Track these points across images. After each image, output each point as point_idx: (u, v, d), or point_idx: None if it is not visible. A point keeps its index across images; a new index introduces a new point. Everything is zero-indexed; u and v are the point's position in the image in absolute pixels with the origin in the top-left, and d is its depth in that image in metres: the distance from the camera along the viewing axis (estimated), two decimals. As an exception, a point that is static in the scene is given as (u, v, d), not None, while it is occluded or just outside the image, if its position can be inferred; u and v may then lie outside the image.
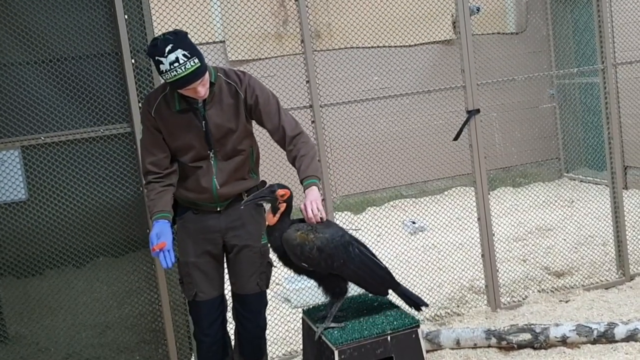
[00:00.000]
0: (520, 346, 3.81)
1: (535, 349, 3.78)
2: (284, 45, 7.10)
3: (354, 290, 3.33)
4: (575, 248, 5.33)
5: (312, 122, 4.07)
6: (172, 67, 2.85)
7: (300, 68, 4.10)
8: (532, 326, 3.84)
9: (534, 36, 7.81)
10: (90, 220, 3.64)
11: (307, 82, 4.04)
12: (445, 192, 7.58)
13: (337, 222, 3.79)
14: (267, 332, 3.52)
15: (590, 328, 3.77)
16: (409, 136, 7.01)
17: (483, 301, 4.55)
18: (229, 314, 3.35)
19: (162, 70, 2.88)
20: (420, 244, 6.05)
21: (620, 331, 3.72)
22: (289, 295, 4.92)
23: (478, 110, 4.39)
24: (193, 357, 3.80)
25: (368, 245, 3.27)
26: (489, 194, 4.53)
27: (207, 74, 2.98)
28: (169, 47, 2.84)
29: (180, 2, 4.18)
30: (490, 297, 4.47)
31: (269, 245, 3.16)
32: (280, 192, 3.02)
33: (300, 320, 3.46)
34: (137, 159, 3.63)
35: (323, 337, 3.08)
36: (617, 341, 3.72)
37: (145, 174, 3.12)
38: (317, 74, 4.06)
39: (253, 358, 3.33)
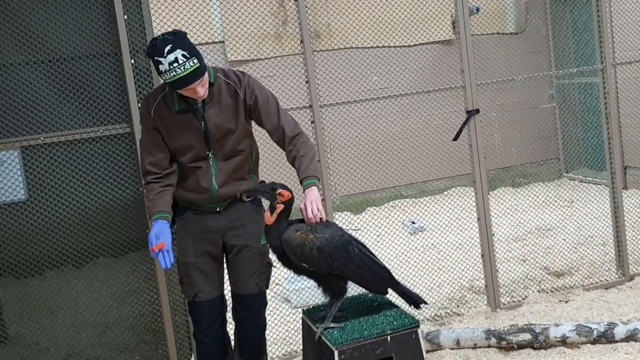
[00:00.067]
0: (520, 346, 3.81)
1: (535, 349, 3.78)
2: (284, 45, 7.10)
3: (353, 290, 3.33)
4: (575, 248, 5.33)
5: (312, 122, 4.07)
6: (171, 67, 2.85)
7: (300, 68, 4.10)
8: (532, 326, 3.84)
9: (534, 36, 7.81)
10: (89, 221, 3.64)
11: (307, 82, 4.04)
12: (445, 192, 7.58)
13: (337, 222, 3.79)
14: (267, 332, 3.52)
15: (590, 328, 3.77)
16: (408, 136, 7.01)
17: (483, 301, 4.55)
18: (229, 314, 3.35)
19: (161, 71, 2.88)
20: (420, 244, 6.05)
21: (620, 331, 3.73)
22: (289, 296, 4.92)
23: (478, 111, 4.39)
24: (193, 357, 3.80)
25: (368, 245, 3.27)
26: (489, 194, 4.53)
27: (206, 74, 2.98)
28: (168, 48, 2.84)
29: (179, 2, 4.18)
30: (490, 297, 4.47)
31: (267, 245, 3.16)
32: (280, 191, 3.02)
33: (300, 321, 3.46)
34: (136, 159, 3.63)
35: (323, 337, 3.08)
36: (617, 341, 3.72)
37: (145, 174, 3.12)
38: (317, 74, 4.06)
39: (253, 358, 3.33)
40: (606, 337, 3.73)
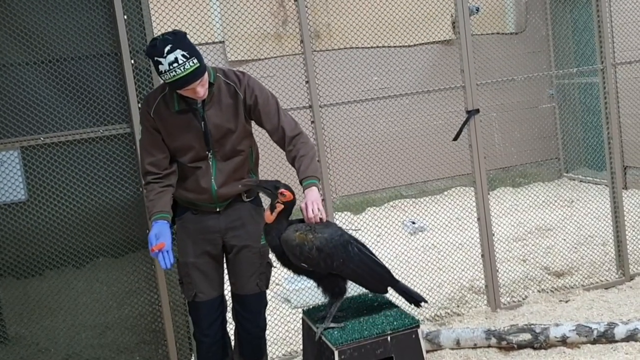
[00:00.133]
0: (520, 346, 3.81)
1: (535, 349, 3.78)
2: (284, 45, 7.10)
3: (353, 290, 3.33)
4: (575, 248, 5.33)
5: (312, 122, 4.07)
6: (171, 67, 2.85)
7: (300, 68, 4.10)
8: (532, 326, 3.84)
9: (534, 36, 7.81)
10: (90, 221, 3.64)
11: (307, 82, 4.04)
12: (445, 192, 7.58)
13: (337, 222, 3.79)
14: (267, 332, 3.52)
15: (590, 328, 3.77)
16: (408, 136, 7.01)
17: (483, 301, 4.55)
18: (229, 315, 3.35)
19: (161, 71, 2.88)
20: (420, 244, 6.05)
21: (620, 331, 3.72)
22: (289, 296, 4.92)
23: (477, 110, 4.39)
24: (193, 357, 3.80)
25: (368, 245, 3.27)
26: (489, 194, 4.53)
27: (206, 75, 2.98)
28: (168, 48, 2.84)
29: (179, 2, 4.18)
30: (490, 297, 4.47)
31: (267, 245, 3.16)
32: (282, 191, 3.02)
33: (300, 321, 3.46)
34: (136, 160, 3.63)
35: (323, 338, 3.08)
36: (617, 341, 3.72)
37: (145, 174, 3.12)
38: (317, 74, 4.06)
39: (253, 358, 3.33)
40: (606, 337, 3.73)
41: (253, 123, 3.22)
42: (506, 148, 7.66)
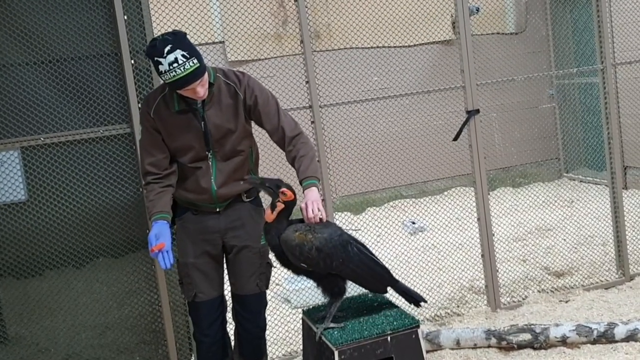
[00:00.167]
0: (520, 346, 3.81)
1: (535, 349, 3.78)
2: (284, 45, 7.10)
3: (353, 290, 3.33)
4: (575, 248, 5.33)
5: (312, 122, 4.07)
6: (171, 67, 2.85)
7: (300, 68, 4.10)
8: (532, 326, 3.84)
9: (534, 36, 7.81)
10: (90, 221, 3.64)
11: (307, 82, 4.04)
12: (445, 193, 7.58)
13: (337, 222, 3.79)
14: (267, 332, 3.52)
15: (590, 328, 3.77)
16: (408, 136, 7.01)
17: (483, 301, 4.55)
18: (229, 315, 3.35)
19: (161, 71, 2.88)
20: (420, 244, 6.05)
21: (620, 331, 3.72)
22: (289, 296, 4.92)
23: (478, 111, 4.39)
24: (193, 357, 3.80)
25: (367, 245, 3.27)
26: (489, 194, 4.53)
27: (206, 75, 2.98)
28: (167, 48, 2.84)
29: (179, 2, 4.18)
30: (490, 297, 4.47)
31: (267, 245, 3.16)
32: (283, 190, 3.02)
33: (300, 321, 3.46)
34: (136, 160, 3.63)
35: (323, 338, 3.08)
36: (617, 341, 3.72)
37: (145, 174, 3.12)
38: (317, 74, 4.06)
39: (253, 358, 3.33)
40: (606, 337, 3.73)
41: (253, 123, 3.22)
42: (506, 148, 7.66)
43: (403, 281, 3.34)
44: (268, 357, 3.56)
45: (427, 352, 3.69)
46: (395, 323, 3.08)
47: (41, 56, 3.52)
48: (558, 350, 3.74)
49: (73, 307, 3.67)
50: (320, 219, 3.03)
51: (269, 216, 3.05)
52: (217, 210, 3.18)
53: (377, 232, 6.28)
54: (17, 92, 3.50)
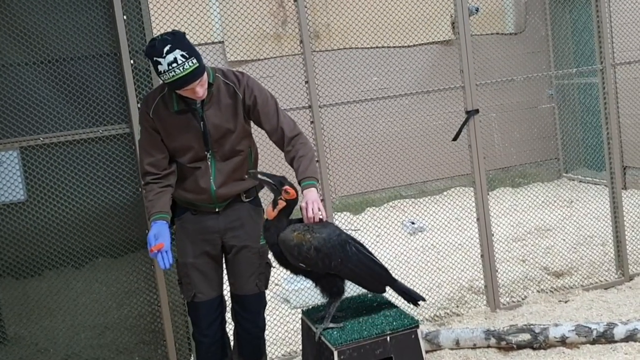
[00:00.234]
0: (520, 346, 3.81)
1: (534, 349, 3.78)
2: (283, 45, 7.10)
3: (353, 290, 3.33)
4: (575, 248, 5.33)
5: (311, 122, 4.07)
6: (170, 67, 2.85)
7: (299, 68, 4.10)
8: (532, 326, 3.84)
9: (533, 36, 7.81)
10: (89, 221, 3.64)
11: (306, 82, 4.04)
12: (445, 193, 7.58)
13: (337, 222, 3.79)
14: (267, 332, 3.52)
15: (590, 328, 3.77)
16: (408, 136, 7.01)
17: (482, 301, 4.55)
18: (228, 315, 3.35)
19: (161, 71, 2.88)
20: (419, 244, 6.05)
21: (619, 331, 3.73)
22: (288, 296, 4.92)
23: (477, 111, 4.39)
24: (192, 357, 3.80)
25: (367, 246, 3.26)
26: (488, 194, 4.53)
27: (205, 75, 2.98)
28: (167, 48, 2.84)
29: (179, 2, 4.18)
30: (489, 297, 4.47)
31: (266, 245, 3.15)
32: (286, 188, 3.02)
33: (300, 321, 3.46)
34: (136, 160, 3.63)
35: (322, 338, 3.08)
36: (616, 341, 3.72)
37: (144, 174, 3.12)
38: (316, 74, 4.06)
39: (252, 358, 3.33)
40: (606, 337, 3.74)
41: (252, 123, 3.22)
42: (506, 148, 7.67)
43: (403, 281, 3.34)
44: (267, 357, 3.56)
45: (427, 352, 3.69)
46: (394, 323, 3.08)
47: (40, 56, 3.52)
48: (557, 351, 3.74)
49: (72, 307, 3.67)
50: (320, 219, 3.03)
51: (270, 213, 3.05)
52: (217, 210, 3.17)
53: (377, 232, 6.28)
54: (17, 92, 3.50)
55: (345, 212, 7.17)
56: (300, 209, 3.07)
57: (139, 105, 3.55)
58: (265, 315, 3.36)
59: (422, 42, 7.17)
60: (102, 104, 3.62)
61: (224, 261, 3.29)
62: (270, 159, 3.92)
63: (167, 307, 3.75)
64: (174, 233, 3.22)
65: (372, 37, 7.11)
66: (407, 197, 7.58)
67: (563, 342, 3.77)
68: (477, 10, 6.43)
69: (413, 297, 3.24)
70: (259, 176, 3.08)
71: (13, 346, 3.61)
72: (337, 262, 3.03)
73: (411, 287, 3.34)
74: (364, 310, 3.28)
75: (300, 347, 3.56)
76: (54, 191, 3.59)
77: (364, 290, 3.36)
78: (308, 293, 4.66)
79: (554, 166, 8.08)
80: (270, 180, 3.04)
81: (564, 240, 5.58)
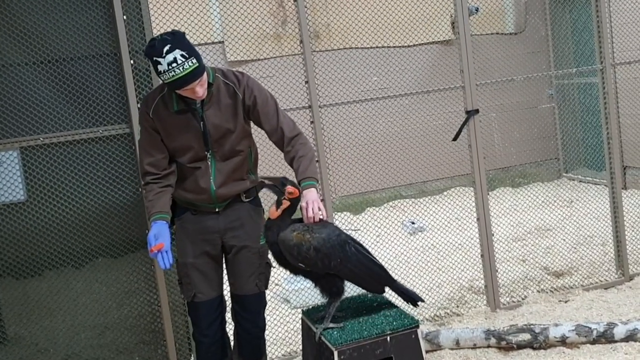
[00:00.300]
0: (520, 346, 3.81)
1: (534, 349, 3.78)
2: (283, 45, 7.10)
3: (353, 290, 3.33)
4: (575, 248, 5.33)
5: (311, 122, 4.07)
6: (170, 67, 2.85)
7: (299, 68, 4.10)
8: (532, 326, 3.84)
9: (533, 36, 7.81)
10: (89, 221, 3.64)
11: (306, 82, 4.04)
12: (445, 193, 7.58)
13: (337, 222, 3.79)
14: (267, 332, 3.52)
15: (590, 328, 3.77)
16: (408, 136, 7.01)
17: (482, 301, 4.55)
18: (228, 315, 3.35)
19: (160, 71, 2.87)
20: (419, 244, 6.05)
21: (619, 331, 3.73)
22: (288, 296, 4.92)
23: (477, 111, 4.39)
24: (192, 357, 3.80)
25: (367, 246, 3.27)
26: (488, 194, 4.53)
27: (205, 75, 2.98)
28: (166, 48, 2.84)
29: (179, 2, 4.18)
30: (489, 297, 4.47)
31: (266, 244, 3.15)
32: (289, 188, 3.03)
33: (300, 321, 3.46)
34: (136, 160, 3.63)
35: (323, 338, 3.08)
36: (616, 341, 3.72)
37: (144, 174, 3.12)
38: (316, 74, 4.06)
39: (252, 358, 3.33)
40: (606, 337, 3.73)
41: (252, 123, 3.22)
42: (506, 148, 7.67)
43: (402, 281, 3.34)
44: (267, 357, 3.56)
45: (427, 352, 3.69)
46: (394, 323, 3.08)
47: (40, 56, 3.52)
48: (557, 350, 3.74)
49: (72, 307, 3.67)
50: (320, 219, 3.03)
51: (273, 213, 3.05)
52: (216, 210, 3.17)
53: (377, 232, 6.28)
54: (17, 92, 3.50)
55: (345, 212, 7.17)
56: (301, 208, 3.07)
57: (139, 105, 3.55)
58: (265, 315, 3.36)
59: (422, 42, 7.17)
60: (102, 104, 3.62)
61: (224, 261, 3.29)
62: (270, 159, 3.92)
63: (167, 307, 3.75)
64: (174, 233, 3.22)
65: (372, 37, 7.11)
66: (407, 197, 7.58)
67: (563, 342, 3.77)
68: (477, 10, 6.44)
69: (412, 298, 3.24)
70: (266, 182, 3.09)
71: (13, 346, 3.61)
72: (337, 262, 3.03)
73: (411, 287, 3.34)
74: (364, 310, 3.28)
75: (300, 347, 3.56)
76: (54, 191, 3.59)
77: (364, 290, 3.36)
78: (308, 293, 4.66)
79: (554, 166, 8.08)
80: (273, 184, 3.05)
81: (564, 240, 5.58)
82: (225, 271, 3.30)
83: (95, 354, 3.70)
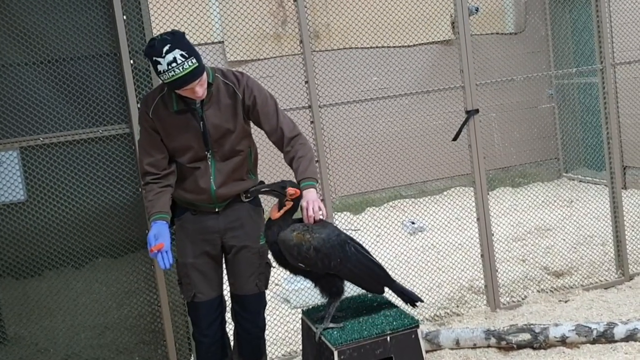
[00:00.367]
0: (520, 346, 3.81)
1: (534, 349, 3.78)
2: (283, 45, 7.10)
3: (353, 290, 3.33)
4: (575, 248, 5.33)
5: (311, 122, 4.07)
6: (169, 67, 2.85)
7: (299, 68, 4.10)
8: (532, 326, 3.84)
9: (533, 36, 7.81)
10: (89, 221, 3.64)
11: (306, 82, 4.04)
12: (445, 193, 7.58)
13: (337, 222, 3.79)
14: (267, 332, 3.52)
15: (590, 328, 3.77)
16: (408, 136, 7.01)
17: (482, 301, 4.55)
18: (228, 315, 3.35)
19: (160, 71, 2.87)
20: (419, 244, 6.05)
21: (619, 331, 3.73)
22: (288, 296, 4.92)
23: (477, 111, 4.39)
24: (192, 357, 3.80)
25: (367, 246, 3.27)
26: (488, 194, 4.53)
27: (205, 74, 2.98)
28: (166, 48, 2.84)
29: (179, 2, 4.18)
30: (489, 297, 4.47)
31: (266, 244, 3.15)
32: (290, 190, 3.04)
33: (300, 321, 3.46)
34: (135, 160, 3.63)
35: (323, 338, 3.08)
36: (616, 341, 3.72)
37: (144, 174, 3.12)
38: (316, 74, 4.06)
39: (252, 358, 3.33)
40: (606, 337, 3.73)
41: (252, 123, 3.22)
42: (505, 148, 7.67)
43: (402, 281, 3.35)
44: (267, 357, 3.56)
45: (427, 352, 3.69)
46: (394, 323, 3.08)
47: (40, 56, 3.52)
48: (557, 350, 3.74)
49: (72, 307, 3.67)
50: (320, 219, 3.03)
51: (275, 214, 3.06)
52: (216, 210, 3.17)
53: (377, 232, 6.28)
54: (16, 92, 3.50)
55: (345, 212, 7.17)
56: (301, 208, 3.07)
57: (138, 106, 3.55)
58: (265, 315, 3.36)
59: (422, 42, 7.17)
60: (102, 104, 3.62)
61: (223, 261, 3.29)
62: (270, 159, 3.92)
63: (167, 307, 3.75)
64: (174, 233, 3.22)
65: (372, 37, 7.11)
66: (407, 197, 7.58)
67: (563, 341, 3.77)
68: (477, 10, 6.44)
69: (411, 298, 3.24)
70: (262, 190, 3.10)
71: (13, 346, 3.61)
72: (337, 262, 3.03)
73: (411, 287, 3.35)
74: (364, 310, 3.28)
75: (300, 347, 3.56)
76: (54, 191, 3.59)
77: (364, 290, 3.36)
78: (308, 293, 4.66)
79: (554, 166, 8.08)
80: (273, 189, 3.05)
81: (564, 240, 5.58)
82: (225, 271, 3.30)
83: (95, 354, 3.70)
